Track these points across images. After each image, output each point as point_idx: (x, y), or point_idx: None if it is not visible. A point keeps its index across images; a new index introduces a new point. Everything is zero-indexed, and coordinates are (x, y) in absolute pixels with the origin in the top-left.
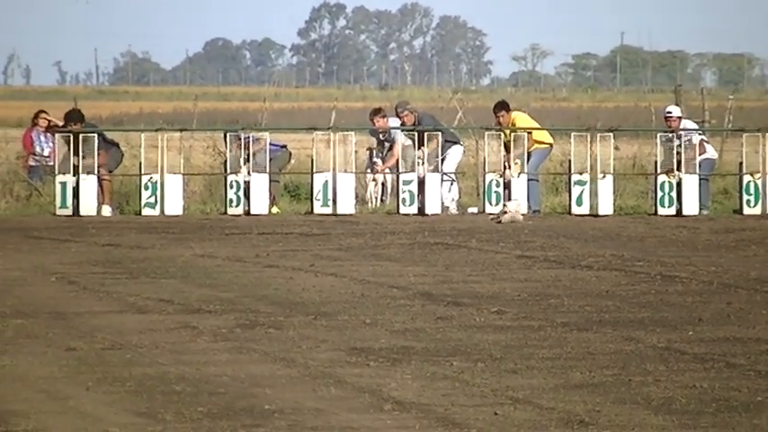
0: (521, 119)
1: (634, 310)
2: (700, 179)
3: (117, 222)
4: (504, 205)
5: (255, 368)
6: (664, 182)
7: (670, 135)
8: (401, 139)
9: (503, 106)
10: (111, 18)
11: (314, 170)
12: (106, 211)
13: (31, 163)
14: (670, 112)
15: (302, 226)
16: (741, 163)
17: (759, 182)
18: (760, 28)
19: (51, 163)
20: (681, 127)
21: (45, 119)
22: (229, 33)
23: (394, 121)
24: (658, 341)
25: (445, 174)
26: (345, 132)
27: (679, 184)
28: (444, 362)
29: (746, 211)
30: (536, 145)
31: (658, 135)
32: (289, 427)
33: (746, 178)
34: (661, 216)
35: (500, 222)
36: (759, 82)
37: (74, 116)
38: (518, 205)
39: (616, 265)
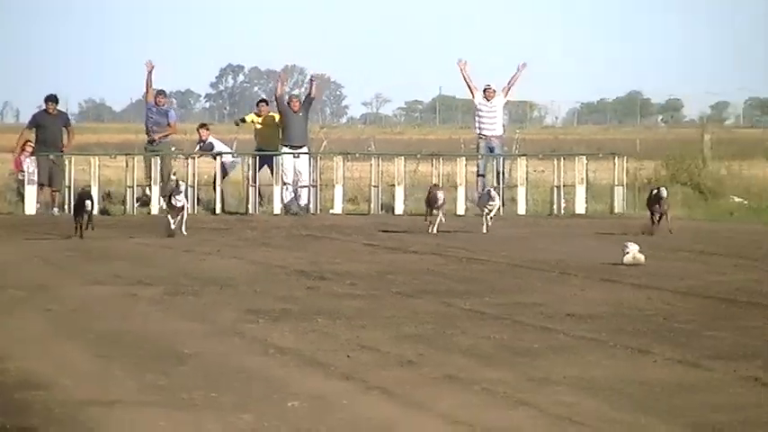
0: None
1: (448, 282)
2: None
3: (68, 221)
4: (626, 246)
5: (179, 324)
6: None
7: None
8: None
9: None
10: (77, 73)
11: (215, 182)
12: (55, 212)
13: (20, 177)
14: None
15: (211, 223)
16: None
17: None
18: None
19: (34, 178)
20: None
21: (30, 146)
22: (161, 85)
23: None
24: (465, 305)
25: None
26: (245, 155)
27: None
28: (312, 320)
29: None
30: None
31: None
32: (202, 366)
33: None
34: (475, 216)
35: (623, 264)
36: (537, 121)
37: (51, 97)
38: (638, 248)
39: (435, 251)
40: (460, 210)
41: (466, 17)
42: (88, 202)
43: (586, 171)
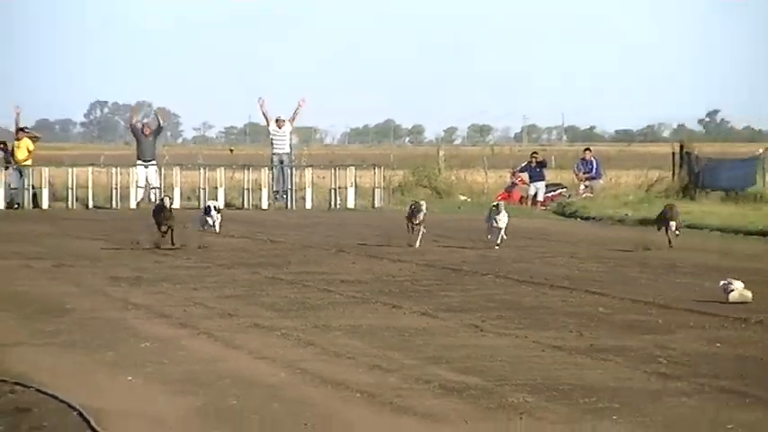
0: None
1: (256, 258)
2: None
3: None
4: (730, 282)
5: (61, 288)
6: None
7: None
8: None
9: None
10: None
11: (90, 183)
12: None
13: None
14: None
15: (86, 215)
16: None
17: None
18: (322, 108)
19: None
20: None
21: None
22: (51, 116)
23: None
24: (268, 274)
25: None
26: (110, 166)
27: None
28: (158, 284)
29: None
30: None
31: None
32: (78, 317)
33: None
34: (276, 210)
35: (728, 302)
36: (319, 141)
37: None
38: (742, 285)
39: (248, 235)
40: (264, 204)
41: (265, 61)
42: None
43: (355, 177)
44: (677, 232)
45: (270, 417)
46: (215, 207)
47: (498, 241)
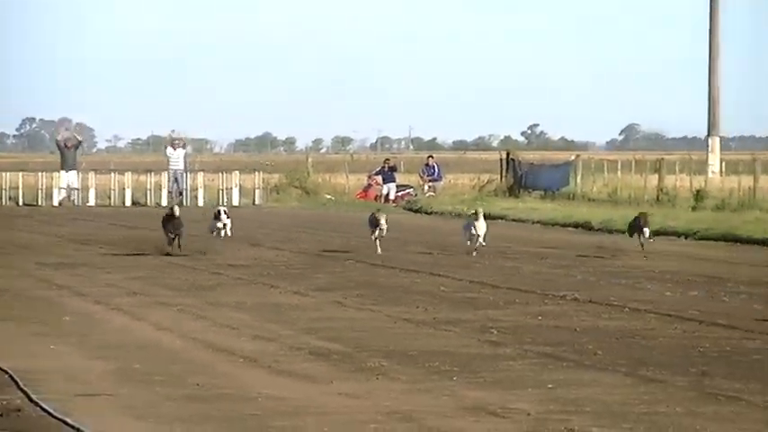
0: None
1: (159, 246)
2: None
3: None
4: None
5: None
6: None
7: None
8: None
9: None
10: None
11: (20, 185)
12: None
13: None
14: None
15: (17, 211)
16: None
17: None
18: (215, 121)
19: None
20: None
21: None
22: None
23: None
24: (168, 259)
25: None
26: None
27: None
28: (79, 268)
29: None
30: None
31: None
32: (11, 296)
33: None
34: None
35: None
36: (210, 150)
37: None
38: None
39: (151, 227)
40: (164, 202)
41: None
42: None
43: (239, 180)
44: (651, 239)
45: (170, 376)
46: (225, 212)
47: (476, 246)
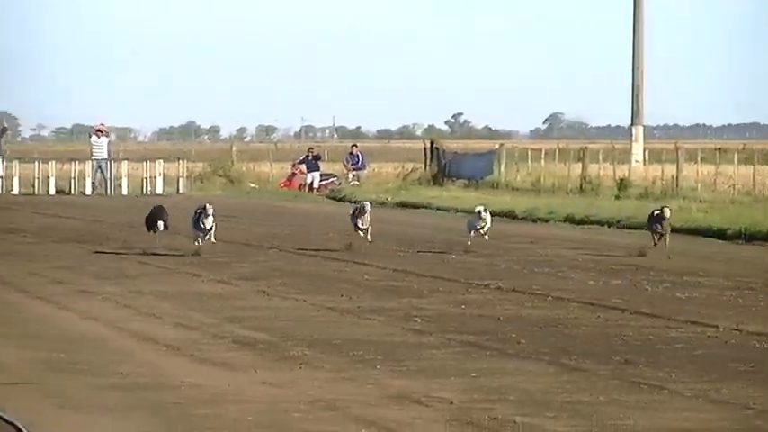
0: None
1: (85, 236)
2: None
3: None
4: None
5: None
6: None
7: None
8: None
9: None
10: None
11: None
12: None
13: None
14: None
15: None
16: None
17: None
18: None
19: None
20: None
21: None
22: None
23: None
24: (92, 248)
25: None
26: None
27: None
28: (50, 260)
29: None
30: None
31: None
32: None
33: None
34: (97, 195)
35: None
36: (134, 139)
37: None
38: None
39: (75, 216)
40: (88, 191)
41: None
42: None
43: (163, 169)
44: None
45: (95, 365)
46: (212, 213)
47: (477, 236)
